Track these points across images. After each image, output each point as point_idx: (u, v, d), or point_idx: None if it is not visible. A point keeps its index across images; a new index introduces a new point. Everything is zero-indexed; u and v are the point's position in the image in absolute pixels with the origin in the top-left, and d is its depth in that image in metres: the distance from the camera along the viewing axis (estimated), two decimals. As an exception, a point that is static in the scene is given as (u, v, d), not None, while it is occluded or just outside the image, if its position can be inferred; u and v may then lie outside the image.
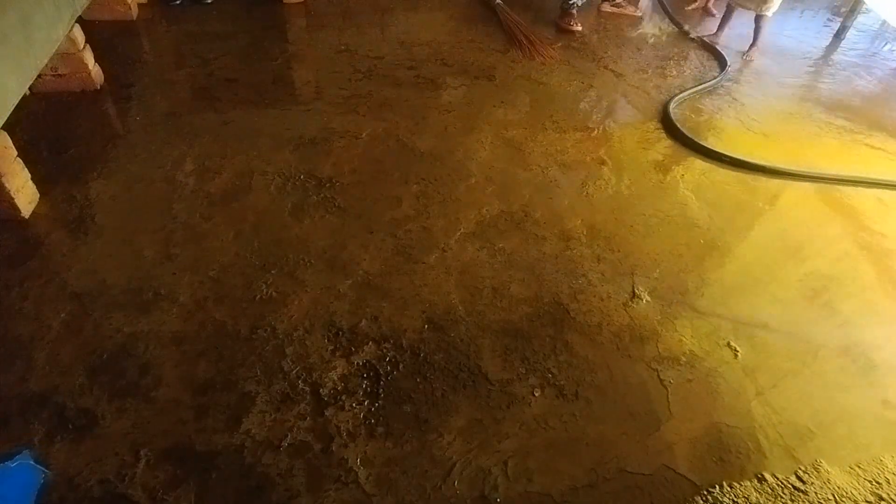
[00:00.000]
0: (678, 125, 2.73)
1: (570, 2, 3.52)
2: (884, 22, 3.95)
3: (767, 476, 1.52)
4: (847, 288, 2.06)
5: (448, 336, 1.78)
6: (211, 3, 3.44)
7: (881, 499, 1.50)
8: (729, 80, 3.20)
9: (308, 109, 2.70)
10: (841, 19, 3.89)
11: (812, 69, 3.46)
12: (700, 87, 3.06)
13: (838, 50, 3.68)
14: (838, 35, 3.80)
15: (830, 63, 3.54)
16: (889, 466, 1.57)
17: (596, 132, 2.71)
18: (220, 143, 2.43)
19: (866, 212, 2.39)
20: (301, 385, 1.61)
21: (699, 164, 2.58)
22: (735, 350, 1.82)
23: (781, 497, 1.49)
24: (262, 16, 3.40)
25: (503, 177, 2.40)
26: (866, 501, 1.50)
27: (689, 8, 3.99)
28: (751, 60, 3.47)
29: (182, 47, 3.06)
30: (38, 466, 1.40)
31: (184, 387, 1.58)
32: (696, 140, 2.65)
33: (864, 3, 3.68)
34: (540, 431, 1.57)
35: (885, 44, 3.80)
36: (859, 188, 2.50)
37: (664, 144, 2.68)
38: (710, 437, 1.59)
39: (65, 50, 2.43)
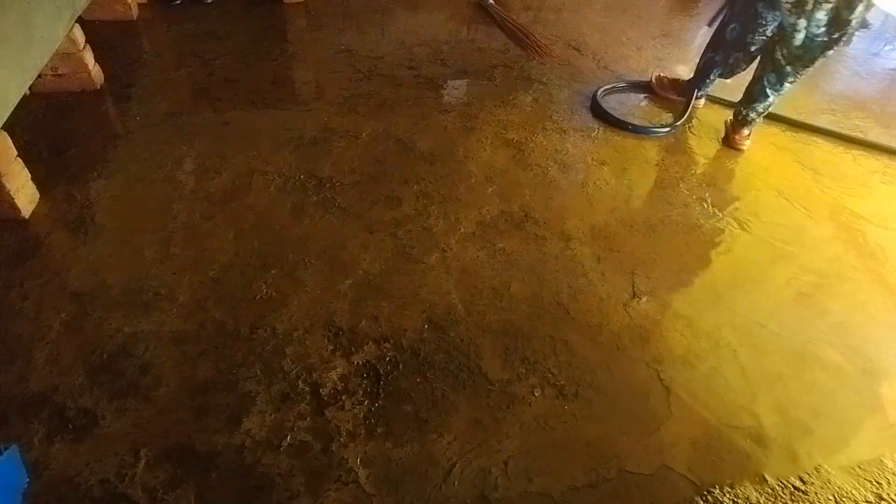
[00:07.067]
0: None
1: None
2: (884, 21, 3.94)
3: (768, 476, 1.52)
4: (843, 286, 2.06)
5: (448, 336, 1.78)
6: (211, 3, 3.44)
7: (881, 499, 1.50)
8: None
9: (308, 109, 2.70)
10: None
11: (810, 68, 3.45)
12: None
13: (837, 50, 3.67)
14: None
15: (829, 63, 3.53)
16: (889, 466, 1.57)
17: (596, 132, 2.71)
18: (220, 143, 2.43)
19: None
20: (301, 385, 1.61)
21: (698, 162, 2.58)
22: (735, 350, 1.82)
23: (782, 497, 1.49)
24: (262, 16, 3.40)
25: (503, 177, 2.40)
26: (867, 502, 1.50)
27: None
28: None
29: (182, 47, 3.06)
30: (23, 469, 1.39)
31: (184, 387, 1.58)
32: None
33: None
34: (540, 431, 1.57)
35: (885, 44, 3.80)
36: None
37: (664, 143, 2.68)
38: (710, 437, 1.59)
39: (65, 50, 2.43)
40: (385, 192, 2.26)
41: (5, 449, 1.42)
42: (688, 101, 2.81)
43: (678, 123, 2.75)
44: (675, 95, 2.92)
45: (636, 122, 2.78)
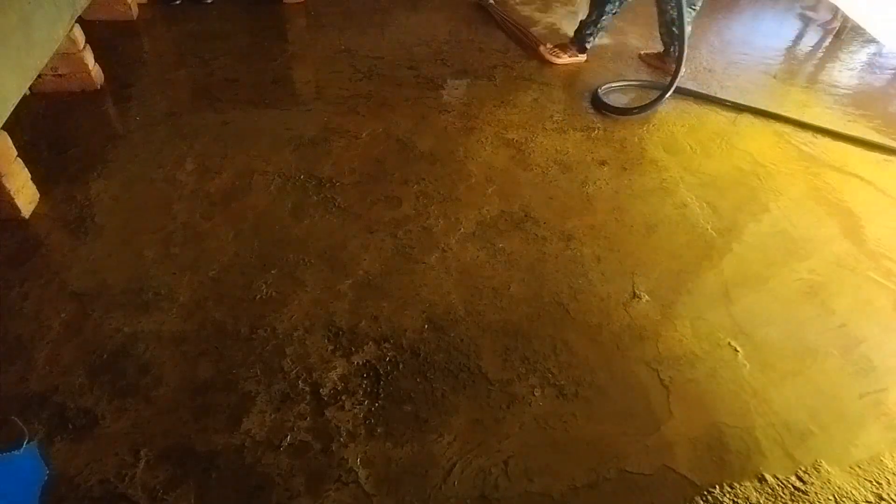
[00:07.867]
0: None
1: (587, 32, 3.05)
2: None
3: (768, 476, 1.52)
4: (844, 287, 2.06)
5: (448, 336, 1.78)
6: (211, 2, 3.44)
7: (881, 499, 1.50)
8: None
9: (308, 109, 2.70)
10: (841, 20, 3.90)
11: (810, 68, 3.46)
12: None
13: (837, 49, 3.68)
14: (838, 35, 3.81)
15: (828, 62, 3.54)
16: (889, 466, 1.57)
17: (596, 132, 2.71)
18: (220, 143, 2.44)
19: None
20: (301, 385, 1.61)
21: (698, 163, 2.58)
22: (735, 350, 1.82)
23: (782, 497, 1.49)
24: (262, 16, 3.40)
25: (503, 177, 2.40)
26: (866, 502, 1.50)
27: None
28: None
29: (182, 47, 3.07)
30: (42, 463, 1.40)
31: (184, 387, 1.58)
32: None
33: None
34: (540, 431, 1.57)
35: (885, 44, 3.80)
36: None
37: (664, 143, 2.68)
38: (710, 437, 1.59)
39: (65, 50, 2.43)
40: (385, 192, 2.26)
41: (26, 444, 1.42)
42: (679, 61, 2.76)
43: (675, 83, 2.76)
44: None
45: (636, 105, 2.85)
